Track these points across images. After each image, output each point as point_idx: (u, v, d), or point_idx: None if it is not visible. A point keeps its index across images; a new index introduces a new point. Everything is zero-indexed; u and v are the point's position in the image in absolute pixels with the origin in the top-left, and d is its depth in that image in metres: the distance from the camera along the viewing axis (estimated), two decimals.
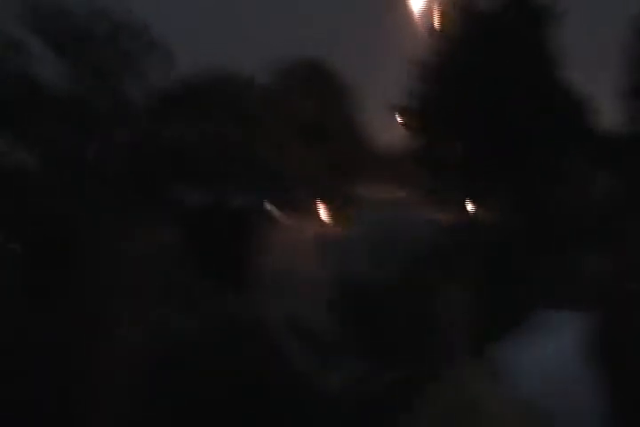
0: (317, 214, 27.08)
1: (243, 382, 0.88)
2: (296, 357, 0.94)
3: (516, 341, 1.75)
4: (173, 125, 46.02)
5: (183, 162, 41.66)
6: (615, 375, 1.10)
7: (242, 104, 49.72)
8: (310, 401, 0.96)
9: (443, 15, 32.62)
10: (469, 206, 27.21)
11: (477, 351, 1.47)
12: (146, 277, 2.04)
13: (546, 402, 1.53)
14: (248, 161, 45.61)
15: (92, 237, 1.75)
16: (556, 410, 1.55)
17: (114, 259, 1.77)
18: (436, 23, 32.49)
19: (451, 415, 1.25)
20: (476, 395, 1.29)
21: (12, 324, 1.71)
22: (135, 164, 36.58)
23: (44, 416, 1.57)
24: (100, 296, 1.76)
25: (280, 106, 50.94)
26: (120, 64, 40.51)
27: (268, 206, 28.31)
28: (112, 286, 1.76)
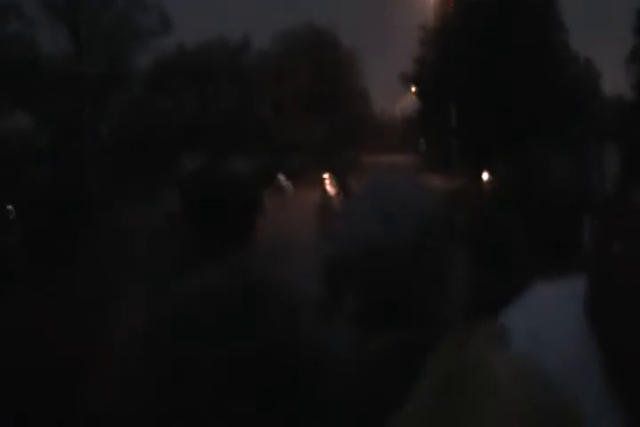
0: (319, 182, 27.02)
1: (257, 344, 0.85)
2: (303, 319, 0.92)
3: (516, 307, 1.73)
4: (171, 89, 45.49)
5: (182, 126, 41.30)
6: (605, 337, 1.07)
7: (240, 69, 49.02)
8: (317, 364, 0.93)
9: None
10: (470, 173, 27.04)
11: (478, 317, 1.45)
12: (147, 243, 2.01)
13: (545, 366, 1.52)
14: (247, 125, 45.17)
15: (91, 202, 1.71)
16: (556, 373, 1.53)
17: (115, 224, 1.73)
18: None
19: (452, 379, 1.22)
20: (477, 358, 1.26)
21: (10, 292, 1.68)
22: (133, 129, 36.44)
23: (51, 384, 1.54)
24: (103, 262, 1.72)
25: (280, 71, 50.15)
26: (118, 29, 40.23)
27: (274, 173, 28.29)
28: (114, 252, 1.73)
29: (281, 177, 29.28)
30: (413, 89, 42.90)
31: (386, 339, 1.27)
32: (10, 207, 4.64)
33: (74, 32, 38.81)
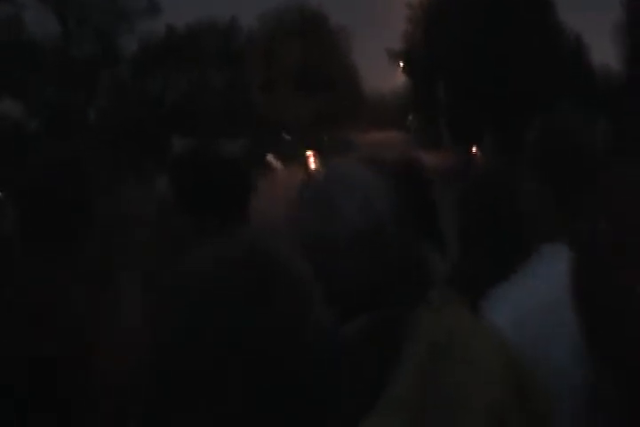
0: (306, 161, 26.99)
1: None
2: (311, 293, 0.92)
3: (507, 281, 1.74)
4: (161, 72, 45.13)
5: (171, 109, 41.00)
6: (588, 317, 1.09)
7: (229, 50, 48.60)
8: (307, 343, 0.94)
9: None
10: (460, 149, 27.13)
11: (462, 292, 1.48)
12: (142, 224, 2.03)
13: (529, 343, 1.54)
14: (237, 107, 44.84)
15: (84, 184, 1.71)
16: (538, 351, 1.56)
17: (107, 205, 1.73)
18: None
19: (433, 351, 1.26)
20: (457, 331, 1.29)
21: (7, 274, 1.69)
22: (122, 112, 36.18)
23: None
24: (97, 243, 1.73)
25: (268, 51, 49.70)
26: (106, 11, 39.84)
27: (264, 154, 28.22)
28: (108, 233, 1.74)
29: (271, 158, 29.20)
30: (402, 66, 42.73)
31: (364, 319, 1.29)
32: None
33: (61, 15, 38.45)
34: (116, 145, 24.39)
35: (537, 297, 1.66)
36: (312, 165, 25.71)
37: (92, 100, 37.36)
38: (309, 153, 28.05)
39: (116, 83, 40.05)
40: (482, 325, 1.39)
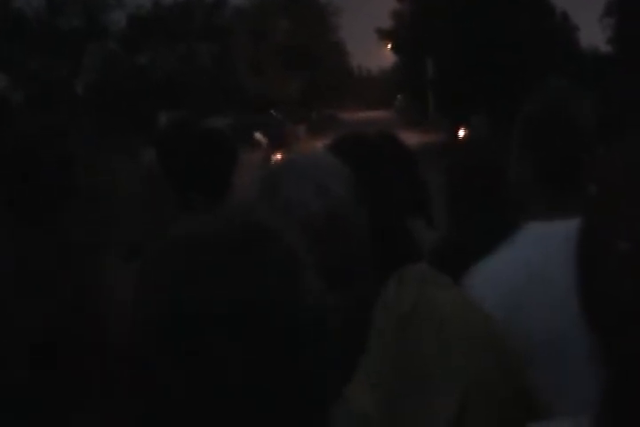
0: (290, 139, 26.94)
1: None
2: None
3: (510, 244, 1.75)
4: (147, 47, 44.84)
5: (159, 84, 40.80)
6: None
7: (215, 25, 48.25)
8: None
9: None
10: (447, 127, 27.11)
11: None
12: (127, 196, 2.02)
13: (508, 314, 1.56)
14: (224, 83, 44.61)
15: (65, 154, 1.70)
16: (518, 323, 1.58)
17: (91, 177, 1.73)
18: None
19: (406, 320, 1.27)
20: (428, 295, 1.30)
21: None
22: (109, 85, 35.98)
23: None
24: (80, 215, 1.72)
25: (255, 27, 49.40)
26: None
27: (251, 130, 28.14)
28: (92, 205, 1.73)
29: (258, 134, 29.12)
30: (389, 45, 42.58)
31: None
32: None
33: None
34: (102, 118, 24.25)
35: (513, 274, 1.68)
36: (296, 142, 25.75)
37: (78, 72, 37.10)
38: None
39: (103, 56, 39.79)
40: (459, 298, 1.40)
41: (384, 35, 44.80)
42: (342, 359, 1.15)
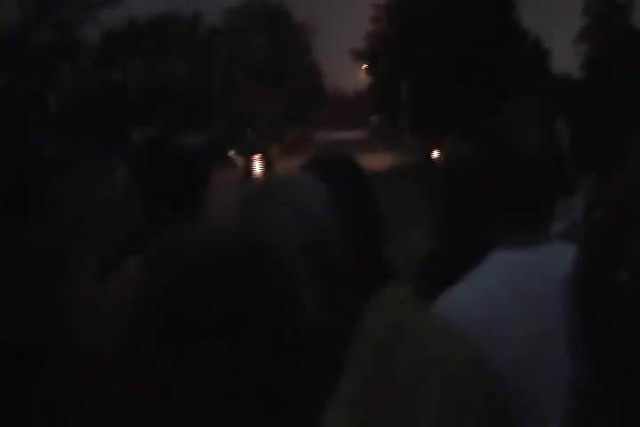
0: (264, 158, 26.94)
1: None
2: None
3: (477, 274, 1.73)
4: (122, 63, 44.78)
5: (132, 100, 40.77)
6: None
7: (191, 43, 48.46)
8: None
9: None
10: (421, 149, 27.26)
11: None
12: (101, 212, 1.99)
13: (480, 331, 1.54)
14: (198, 100, 44.63)
15: (35, 167, 1.69)
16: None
17: (62, 190, 1.70)
18: None
19: (380, 346, 1.25)
20: (404, 320, 1.29)
21: None
22: (83, 102, 35.85)
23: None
24: (50, 228, 1.70)
25: (231, 45, 49.69)
26: (69, 2, 39.33)
27: (224, 147, 28.13)
28: (61, 218, 1.71)
29: (231, 151, 29.12)
30: (364, 66, 42.89)
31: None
32: None
33: (20, 1, 38.00)
34: (76, 134, 24.17)
35: (483, 298, 1.67)
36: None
37: (50, 87, 36.97)
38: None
39: (76, 71, 39.70)
40: (434, 321, 1.38)
41: (358, 56, 45.18)
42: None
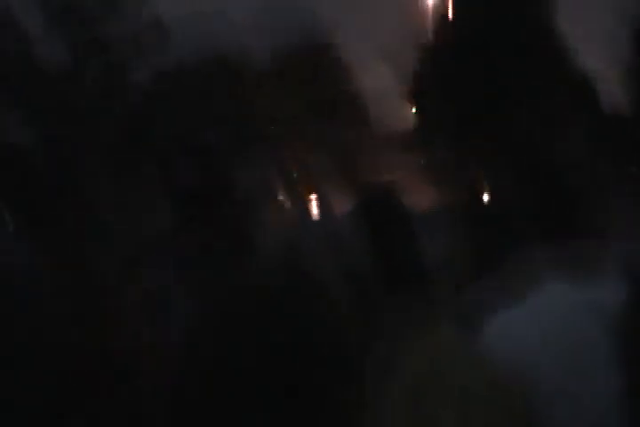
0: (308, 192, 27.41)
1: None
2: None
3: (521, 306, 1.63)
4: (170, 104, 46.76)
5: (180, 139, 42.66)
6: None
7: (241, 85, 50.85)
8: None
9: None
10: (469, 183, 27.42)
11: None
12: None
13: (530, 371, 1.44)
14: (250, 141, 46.89)
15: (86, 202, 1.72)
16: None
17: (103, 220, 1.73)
18: None
19: (420, 387, 1.21)
20: (447, 367, 1.25)
21: None
22: (131, 139, 37.07)
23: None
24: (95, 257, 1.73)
25: (282, 90, 52.17)
26: (118, 41, 40.76)
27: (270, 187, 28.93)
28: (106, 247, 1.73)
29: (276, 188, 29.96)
30: (414, 108, 43.54)
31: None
32: None
33: (71, 46, 39.47)
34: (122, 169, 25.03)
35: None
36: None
37: (99, 126, 38.22)
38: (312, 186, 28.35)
39: (126, 113, 41.03)
40: (471, 351, 1.32)
41: (407, 96, 46.07)
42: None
